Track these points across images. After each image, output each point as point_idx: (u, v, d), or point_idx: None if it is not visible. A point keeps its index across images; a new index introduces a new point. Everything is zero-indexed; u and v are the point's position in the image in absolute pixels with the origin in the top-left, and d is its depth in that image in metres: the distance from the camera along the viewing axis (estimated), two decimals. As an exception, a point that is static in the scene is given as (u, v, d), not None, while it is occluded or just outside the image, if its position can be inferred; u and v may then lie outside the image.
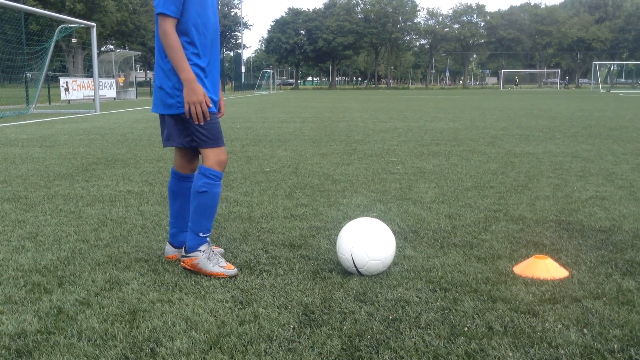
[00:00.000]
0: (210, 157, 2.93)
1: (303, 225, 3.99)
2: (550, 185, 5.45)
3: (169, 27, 2.78)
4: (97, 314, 2.48)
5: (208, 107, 2.87)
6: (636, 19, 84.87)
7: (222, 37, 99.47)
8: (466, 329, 2.33)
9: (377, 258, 2.91)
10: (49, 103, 25.73)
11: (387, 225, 3.14)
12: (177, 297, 2.68)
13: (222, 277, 2.92)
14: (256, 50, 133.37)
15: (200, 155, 3.05)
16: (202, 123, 2.85)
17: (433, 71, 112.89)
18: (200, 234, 2.99)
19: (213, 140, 2.93)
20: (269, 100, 33.94)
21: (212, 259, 2.97)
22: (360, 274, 2.94)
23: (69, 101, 27.20)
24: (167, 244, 3.26)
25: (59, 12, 33.05)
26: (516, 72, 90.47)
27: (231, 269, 2.97)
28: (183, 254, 3.03)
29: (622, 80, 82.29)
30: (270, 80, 73.70)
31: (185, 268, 3.03)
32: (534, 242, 3.58)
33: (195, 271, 3.00)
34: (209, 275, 2.94)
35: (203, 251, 2.98)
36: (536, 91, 59.42)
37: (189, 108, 2.81)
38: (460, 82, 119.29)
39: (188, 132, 2.95)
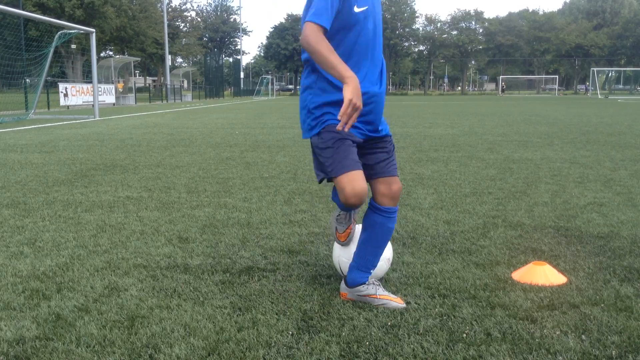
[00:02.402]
0: (344, 191, 2.55)
1: (302, 231, 3.99)
2: (549, 192, 5.46)
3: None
4: (95, 320, 2.48)
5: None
6: (634, 25, 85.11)
7: (222, 43, 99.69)
8: (465, 335, 2.33)
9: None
10: (48, 109, 25.74)
11: None
12: (175, 303, 2.68)
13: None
14: (255, 56, 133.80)
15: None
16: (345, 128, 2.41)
17: (432, 77, 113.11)
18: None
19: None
20: (267, 106, 33.98)
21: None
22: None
23: (68, 107, 27.22)
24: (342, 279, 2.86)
25: (59, 18, 33.12)
26: (514, 78, 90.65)
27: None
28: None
29: (620, 86, 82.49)
30: (269, 86, 73.83)
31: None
32: (533, 248, 3.58)
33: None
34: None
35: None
36: (534, 97, 59.51)
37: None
38: (459, 88, 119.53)
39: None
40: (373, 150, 2.70)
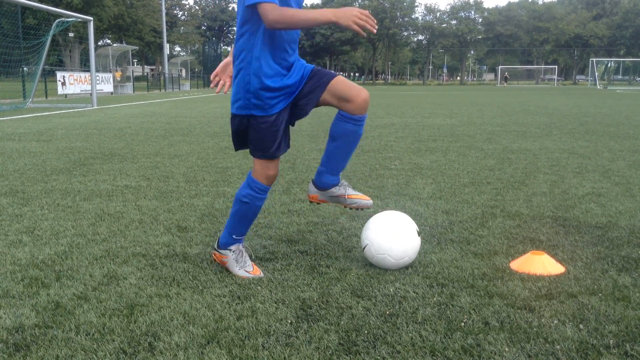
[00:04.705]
0: (258, 168, 2.84)
1: (300, 220, 3.99)
2: (547, 182, 5.47)
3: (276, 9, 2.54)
4: (94, 308, 2.49)
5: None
6: (633, 15, 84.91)
7: (220, 32, 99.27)
8: (463, 324, 2.34)
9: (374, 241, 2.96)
10: (46, 97, 25.67)
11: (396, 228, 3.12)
12: (174, 291, 2.68)
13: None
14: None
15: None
16: (374, 31, 2.60)
17: (430, 67, 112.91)
18: (234, 236, 2.96)
19: (261, 151, 2.80)
20: (266, 95, 33.82)
21: (239, 262, 2.92)
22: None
23: (65, 95, 27.14)
24: (311, 182, 3.12)
25: (56, 6, 32.93)
26: (513, 68, 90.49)
27: (257, 274, 2.90)
28: (215, 247, 3.02)
29: (619, 77, 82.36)
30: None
31: (214, 261, 3.05)
32: (531, 238, 3.59)
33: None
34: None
35: (233, 251, 2.95)
36: (533, 87, 59.42)
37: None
38: (458, 78, 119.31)
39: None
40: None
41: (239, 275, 2.89)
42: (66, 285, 2.76)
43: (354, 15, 2.54)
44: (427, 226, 3.85)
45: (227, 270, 2.96)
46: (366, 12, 2.56)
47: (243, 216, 2.91)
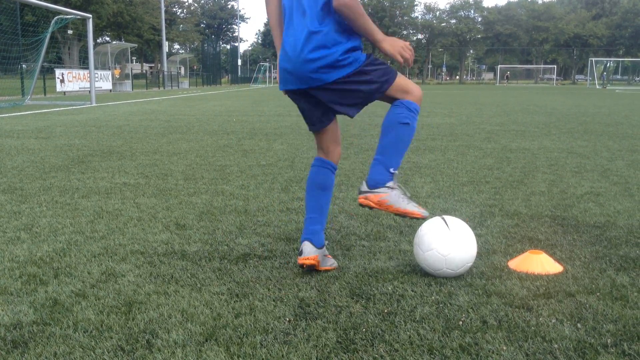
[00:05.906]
0: (415, 91, 2.79)
1: (299, 218, 3.99)
2: (546, 181, 5.47)
3: None
4: (92, 306, 2.48)
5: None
6: (633, 15, 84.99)
7: (219, 30, 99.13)
8: (461, 322, 2.34)
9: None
10: (45, 94, 25.65)
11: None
12: (173, 289, 2.68)
13: (417, 217, 2.71)
14: (253, 43, 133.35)
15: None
16: (410, 64, 2.77)
17: (430, 66, 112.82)
18: (391, 170, 2.70)
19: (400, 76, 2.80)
20: (265, 93, 33.87)
21: (404, 197, 2.70)
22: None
23: (64, 93, 27.12)
24: (306, 243, 2.88)
25: (55, 3, 32.84)
26: (512, 67, 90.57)
27: (424, 210, 2.72)
28: (365, 189, 2.74)
29: (618, 76, 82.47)
30: (267, 74, 73.62)
31: (366, 205, 2.74)
32: (529, 237, 3.59)
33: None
34: (402, 214, 2.70)
35: (392, 188, 2.69)
36: (532, 87, 59.44)
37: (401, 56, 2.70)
38: (457, 77, 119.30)
39: (362, 92, 2.84)
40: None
41: (409, 211, 2.66)
42: (64, 282, 2.76)
43: (400, 47, 2.70)
44: (425, 225, 3.85)
45: (388, 210, 2.67)
46: (409, 44, 2.70)
47: (405, 141, 2.71)
